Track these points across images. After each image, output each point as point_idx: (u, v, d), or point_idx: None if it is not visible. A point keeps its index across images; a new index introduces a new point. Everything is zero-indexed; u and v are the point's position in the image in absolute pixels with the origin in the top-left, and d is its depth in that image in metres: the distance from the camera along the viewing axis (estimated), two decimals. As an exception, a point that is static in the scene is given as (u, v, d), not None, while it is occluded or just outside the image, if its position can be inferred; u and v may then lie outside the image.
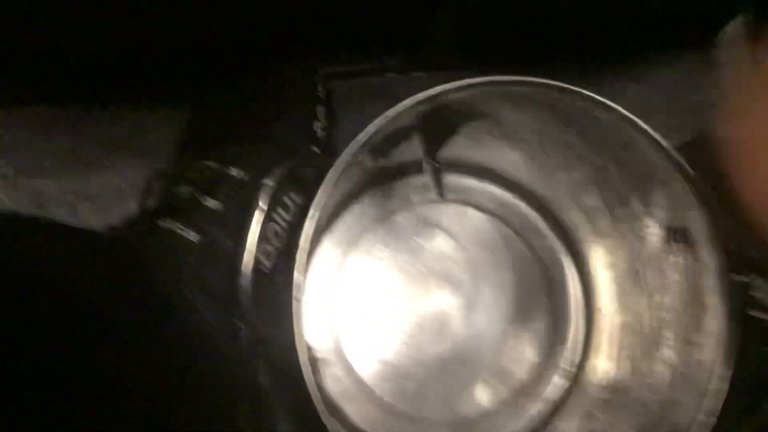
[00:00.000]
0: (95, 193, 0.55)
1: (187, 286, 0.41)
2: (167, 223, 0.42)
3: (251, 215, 0.43)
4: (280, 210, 0.45)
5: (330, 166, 0.39)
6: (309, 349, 0.39)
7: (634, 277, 0.48)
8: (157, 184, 0.47)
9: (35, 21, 0.44)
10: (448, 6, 0.51)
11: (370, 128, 0.39)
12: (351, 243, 0.51)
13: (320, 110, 0.49)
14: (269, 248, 0.44)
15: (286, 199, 0.45)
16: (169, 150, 0.53)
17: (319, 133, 0.49)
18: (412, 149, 0.47)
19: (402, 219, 0.52)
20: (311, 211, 0.38)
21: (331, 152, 0.50)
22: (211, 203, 0.43)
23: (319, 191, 0.38)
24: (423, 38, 0.55)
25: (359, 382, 0.50)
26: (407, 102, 0.39)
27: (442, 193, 0.52)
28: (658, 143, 0.41)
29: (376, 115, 0.53)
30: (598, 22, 0.55)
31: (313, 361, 0.45)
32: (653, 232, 0.45)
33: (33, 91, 0.55)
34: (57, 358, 0.28)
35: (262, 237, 0.43)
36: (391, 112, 0.39)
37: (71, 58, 0.50)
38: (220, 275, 0.42)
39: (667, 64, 0.61)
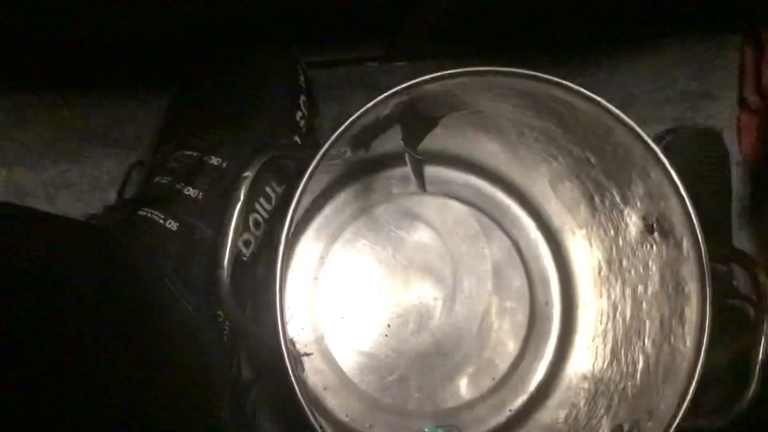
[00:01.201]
0: (74, 183, 0.54)
1: (167, 275, 0.40)
2: (147, 213, 0.42)
3: (231, 205, 0.43)
4: (261, 200, 0.45)
5: (311, 156, 0.39)
6: (291, 342, 0.39)
7: (613, 267, 0.49)
8: (136, 174, 0.46)
9: (10, 9, 0.44)
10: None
11: (350, 119, 0.39)
12: (332, 236, 0.51)
13: (302, 100, 0.49)
14: (250, 238, 0.44)
15: (267, 189, 0.45)
16: (147, 139, 0.53)
17: (301, 122, 0.49)
18: (393, 141, 0.47)
19: (383, 211, 0.52)
20: (291, 204, 0.38)
21: (312, 141, 0.50)
22: (192, 192, 0.43)
23: (300, 184, 0.38)
24: (404, 27, 0.54)
25: (341, 374, 0.49)
26: (386, 93, 0.39)
27: (423, 185, 0.52)
28: (636, 133, 0.41)
29: (357, 105, 0.52)
30: (580, 12, 0.55)
31: (295, 354, 0.45)
32: (632, 222, 0.46)
33: (9, 81, 0.54)
34: (35, 349, 0.28)
35: (243, 226, 0.43)
36: (370, 103, 0.39)
37: (48, 47, 0.50)
38: (200, 265, 0.42)
39: (649, 55, 0.61)
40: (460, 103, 0.45)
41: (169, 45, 0.51)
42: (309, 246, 0.51)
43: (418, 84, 0.39)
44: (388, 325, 0.51)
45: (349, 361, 0.50)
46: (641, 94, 0.60)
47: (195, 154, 0.44)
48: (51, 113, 0.55)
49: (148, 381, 0.34)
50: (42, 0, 0.43)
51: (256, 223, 0.45)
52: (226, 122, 0.46)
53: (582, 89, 0.40)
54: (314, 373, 0.49)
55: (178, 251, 0.41)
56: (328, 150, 0.39)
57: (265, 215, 0.45)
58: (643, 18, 0.57)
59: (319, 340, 0.50)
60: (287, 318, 0.39)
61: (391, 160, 0.51)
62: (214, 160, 0.44)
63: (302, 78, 0.50)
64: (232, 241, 0.39)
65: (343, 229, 0.52)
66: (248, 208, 0.44)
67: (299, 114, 0.48)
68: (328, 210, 0.51)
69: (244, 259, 0.44)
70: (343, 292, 0.51)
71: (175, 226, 0.41)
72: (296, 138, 0.48)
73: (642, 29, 0.59)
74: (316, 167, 0.38)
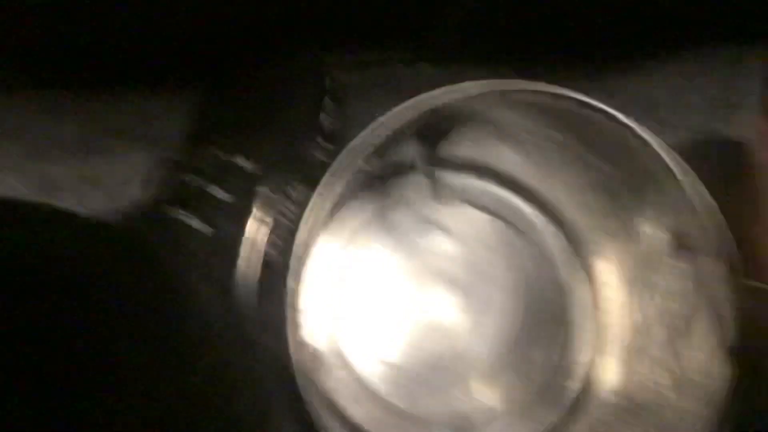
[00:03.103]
0: (103, 180, 0.54)
1: (193, 276, 0.41)
2: (174, 212, 0.42)
3: (256, 208, 0.43)
4: (286, 201, 0.45)
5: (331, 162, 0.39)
6: (310, 349, 0.39)
7: (640, 281, 0.47)
8: (164, 172, 0.47)
9: (42, 3, 0.44)
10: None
11: (366, 137, 0.38)
12: (349, 242, 0.51)
13: (327, 101, 0.49)
14: (276, 240, 0.44)
15: (291, 190, 0.45)
16: (176, 138, 0.53)
17: (326, 124, 0.48)
18: (408, 147, 0.47)
19: (400, 218, 0.51)
20: (305, 217, 0.37)
21: (337, 143, 0.49)
22: (218, 193, 0.43)
23: (313, 197, 0.38)
24: (431, 29, 0.54)
25: (361, 382, 0.49)
26: (403, 110, 0.38)
27: (439, 195, 0.51)
28: (660, 149, 0.39)
29: (382, 107, 0.52)
30: (604, 16, 0.53)
31: (314, 362, 0.45)
32: (657, 236, 0.44)
33: (40, 75, 0.55)
34: (59, 347, 0.28)
35: (270, 229, 0.43)
36: (387, 119, 0.38)
37: (79, 42, 0.50)
38: (226, 265, 0.42)
39: (673, 61, 0.59)
40: (479, 116, 0.44)
41: (198, 45, 0.51)
42: (326, 253, 0.50)
43: (437, 98, 0.38)
44: (409, 334, 0.50)
45: (368, 368, 0.49)
46: (664, 101, 0.58)
47: (222, 154, 0.44)
48: (83, 109, 0.55)
49: (168, 381, 0.34)
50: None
51: (283, 226, 0.45)
52: (252, 123, 0.46)
53: (605, 107, 0.39)
54: (334, 381, 0.48)
55: (204, 252, 0.42)
56: (342, 165, 0.38)
57: (291, 216, 0.45)
58: (666, 24, 0.56)
59: (338, 347, 0.49)
60: (304, 325, 0.39)
61: (407, 166, 0.50)
62: (241, 161, 0.44)
63: (328, 80, 0.49)
64: (257, 259, 0.39)
65: (359, 236, 0.51)
66: (274, 209, 0.44)
67: (324, 116, 0.48)
68: (344, 217, 0.51)
69: (271, 261, 0.44)
70: (362, 299, 0.50)
71: (202, 227, 0.42)
72: (321, 139, 0.48)
73: (665, 35, 0.57)
74: (330, 183, 0.38)
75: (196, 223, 0.42)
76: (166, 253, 0.41)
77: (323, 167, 0.46)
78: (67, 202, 0.54)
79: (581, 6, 0.52)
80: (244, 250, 0.42)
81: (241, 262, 0.42)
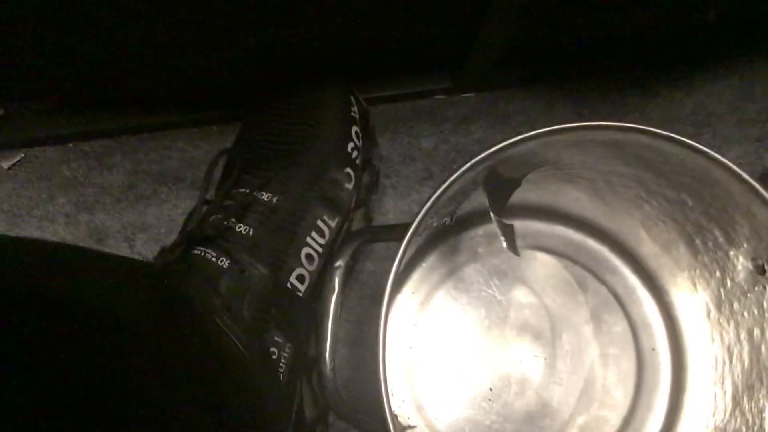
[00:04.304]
0: (151, 225, 0.56)
1: (217, 314, 0.40)
2: (200, 251, 0.41)
3: (283, 241, 0.42)
4: (313, 233, 0.44)
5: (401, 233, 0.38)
6: (394, 416, 0.38)
7: (724, 310, 0.46)
8: (194, 212, 0.46)
9: (88, 59, 0.45)
10: (493, 23, 0.49)
11: (437, 194, 0.37)
12: (423, 301, 0.50)
13: (354, 131, 0.48)
14: (304, 273, 0.43)
15: (319, 223, 0.44)
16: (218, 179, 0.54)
17: (354, 154, 0.48)
18: (473, 201, 0.46)
19: (471, 271, 0.51)
20: (385, 296, 0.36)
21: (370, 175, 0.49)
22: (242, 229, 0.42)
23: (392, 272, 0.36)
24: (469, 57, 0.53)
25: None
26: (468, 164, 0.37)
27: (515, 248, 0.50)
28: (735, 172, 0.38)
29: (425, 138, 0.51)
30: (653, 32, 0.53)
31: (399, 429, 0.44)
32: (740, 263, 0.43)
33: (88, 128, 0.56)
34: (96, 383, 0.28)
35: (296, 261, 0.43)
36: (454, 176, 0.37)
37: (124, 93, 0.51)
38: (251, 302, 0.41)
39: (727, 72, 0.59)
40: (543, 161, 0.43)
41: (239, 86, 0.52)
42: (400, 313, 0.50)
43: (500, 150, 0.38)
44: (490, 389, 0.49)
45: (454, 429, 0.48)
46: (721, 114, 0.58)
47: (247, 190, 0.44)
48: (128, 157, 0.57)
49: (202, 419, 0.34)
50: (118, 51, 0.45)
51: (310, 258, 0.44)
52: (276, 157, 0.46)
53: (672, 135, 0.37)
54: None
55: (228, 289, 0.41)
56: (413, 233, 0.37)
57: (319, 249, 0.45)
58: (719, 35, 0.55)
59: (421, 411, 0.48)
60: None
61: (474, 219, 0.50)
62: (264, 196, 0.44)
63: (355, 109, 0.49)
64: (331, 333, 0.38)
65: (433, 293, 0.51)
66: (300, 243, 0.43)
67: (352, 145, 0.48)
68: (415, 275, 0.51)
69: (300, 294, 0.43)
70: (440, 358, 0.49)
71: (226, 264, 0.41)
72: (349, 170, 0.47)
73: (719, 46, 0.57)
74: (404, 253, 0.37)
75: (221, 260, 0.41)
76: (192, 292, 0.40)
77: (351, 198, 0.46)
78: (116, 247, 0.55)
79: (627, 23, 0.51)
80: (270, 286, 0.42)
81: (268, 298, 0.41)
